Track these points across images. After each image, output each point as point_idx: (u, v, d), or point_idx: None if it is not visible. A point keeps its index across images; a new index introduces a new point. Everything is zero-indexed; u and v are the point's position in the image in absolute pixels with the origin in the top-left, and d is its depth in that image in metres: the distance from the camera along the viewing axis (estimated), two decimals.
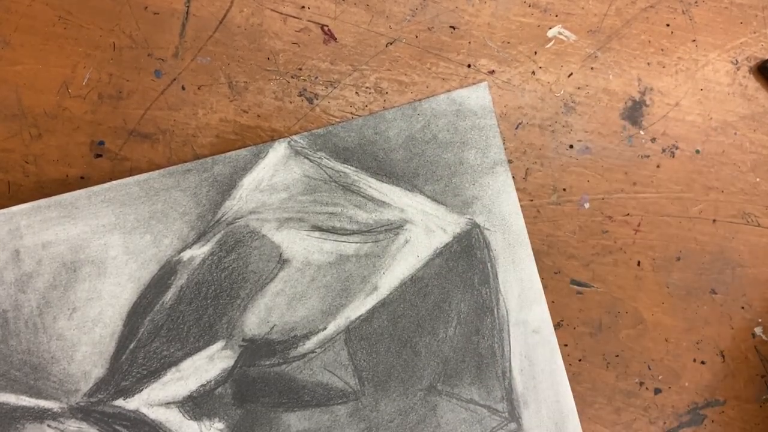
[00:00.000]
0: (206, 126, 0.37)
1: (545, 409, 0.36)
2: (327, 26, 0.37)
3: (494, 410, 0.35)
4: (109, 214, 0.35)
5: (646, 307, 0.37)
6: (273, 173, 0.36)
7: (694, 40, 0.37)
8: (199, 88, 0.37)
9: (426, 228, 0.36)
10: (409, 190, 0.36)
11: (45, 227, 0.34)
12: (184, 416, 0.34)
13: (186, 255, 0.35)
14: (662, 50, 0.38)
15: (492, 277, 0.36)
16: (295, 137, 0.36)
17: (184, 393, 0.34)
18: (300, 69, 0.37)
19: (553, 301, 0.37)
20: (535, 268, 0.36)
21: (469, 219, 0.36)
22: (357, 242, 0.36)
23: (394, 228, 0.36)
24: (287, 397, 0.35)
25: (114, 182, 0.35)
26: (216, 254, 0.35)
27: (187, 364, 0.35)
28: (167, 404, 0.34)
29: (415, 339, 0.36)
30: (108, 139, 0.37)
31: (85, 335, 0.34)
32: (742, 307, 0.38)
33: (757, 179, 0.37)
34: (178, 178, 0.35)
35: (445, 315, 0.36)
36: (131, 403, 0.34)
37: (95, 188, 0.35)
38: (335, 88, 0.37)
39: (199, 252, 0.35)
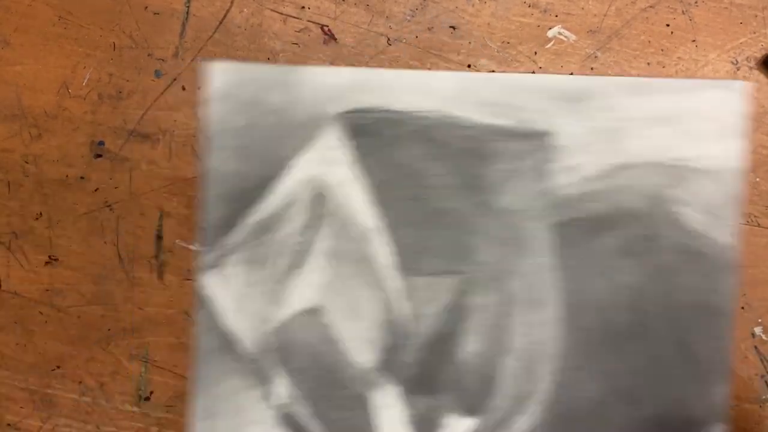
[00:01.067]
0: (207, 126, 0.37)
1: None
2: (327, 26, 0.37)
3: None
4: None
5: None
6: None
7: (694, 41, 0.37)
8: (199, 88, 0.37)
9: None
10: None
11: None
12: None
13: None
14: (662, 50, 0.38)
15: None
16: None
17: None
18: None
19: None
20: None
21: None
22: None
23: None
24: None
25: None
26: None
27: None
28: None
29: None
30: (108, 139, 0.37)
31: None
32: (742, 307, 0.38)
33: (757, 179, 0.37)
34: None
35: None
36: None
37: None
38: None
39: None
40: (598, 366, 0.36)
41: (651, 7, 0.37)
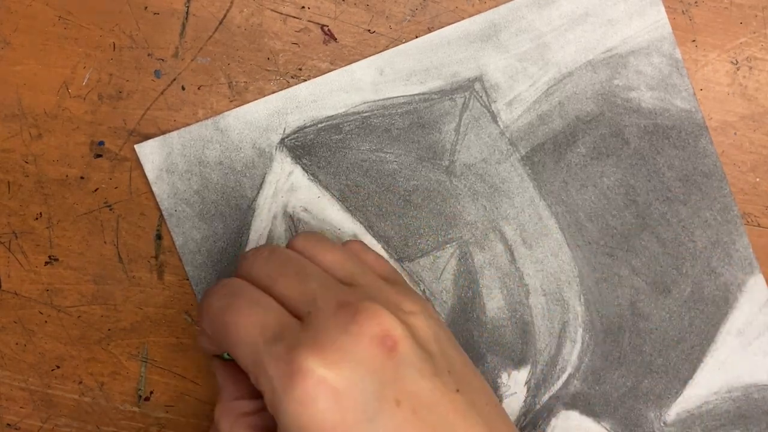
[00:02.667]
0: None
1: None
2: (327, 26, 0.37)
3: None
4: None
5: None
6: None
7: (693, 40, 0.37)
8: (199, 88, 0.37)
9: None
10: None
11: None
12: None
13: None
14: None
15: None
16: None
17: None
18: (300, 69, 0.37)
19: None
20: None
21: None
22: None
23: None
24: None
25: None
26: None
27: None
28: None
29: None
30: (108, 139, 0.37)
31: None
32: None
33: (757, 179, 0.37)
34: None
35: None
36: None
37: None
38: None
39: None
40: (618, 271, 0.36)
41: None
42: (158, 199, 0.36)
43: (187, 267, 0.37)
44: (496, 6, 0.37)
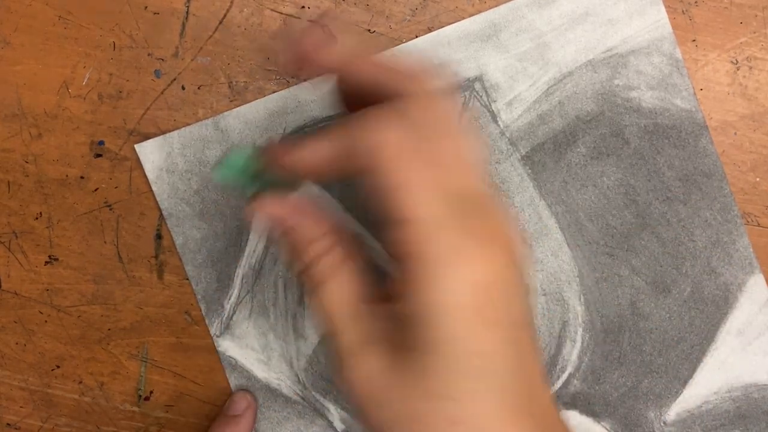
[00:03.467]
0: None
1: None
2: (327, 26, 0.37)
3: None
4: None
5: None
6: None
7: (694, 40, 0.37)
8: (199, 88, 0.37)
9: None
10: None
11: None
12: None
13: None
14: None
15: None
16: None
17: None
18: (300, 69, 0.37)
19: None
20: None
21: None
22: None
23: None
24: None
25: None
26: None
27: None
28: None
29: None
30: (108, 139, 0.37)
31: None
32: None
33: (757, 179, 0.37)
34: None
35: None
36: None
37: None
38: None
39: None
40: (618, 270, 0.36)
41: None
42: (158, 199, 0.37)
43: (187, 266, 0.37)
44: (496, 6, 0.37)
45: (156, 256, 0.38)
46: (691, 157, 0.36)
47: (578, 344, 0.36)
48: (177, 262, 0.37)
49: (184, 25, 0.37)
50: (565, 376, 0.36)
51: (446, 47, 0.36)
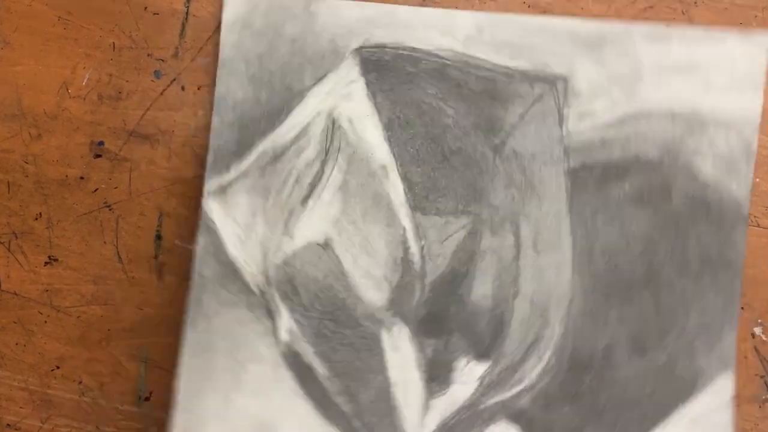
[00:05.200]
0: (206, 126, 0.37)
1: None
2: None
3: None
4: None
5: None
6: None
7: None
8: (199, 89, 0.37)
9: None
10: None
11: None
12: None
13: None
14: None
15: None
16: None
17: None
18: None
19: None
20: None
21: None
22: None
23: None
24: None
25: None
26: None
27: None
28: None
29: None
30: (108, 139, 0.37)
31: None
32: (742, 307, 0.37)
33: (757, 179, 0.37)
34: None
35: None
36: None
37: None
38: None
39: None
40: (608, 312, 0.36)
41: (651, 7, 0.37)
42: (221, 45, 0.36)
43: (215, 117, 0.36)
44: (496, 7, 0.37)
45: (156, 257, 0.38)
46: (721, 242, 0.36)
47: (542, 363, 0.36)
48: (177, 262, 0.37)
49: (184, 25, 0.37)
50: (519, 387, 0.36)
51: (549, 35, 0.36)
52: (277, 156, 0.35)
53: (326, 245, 0.35)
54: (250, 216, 0.35)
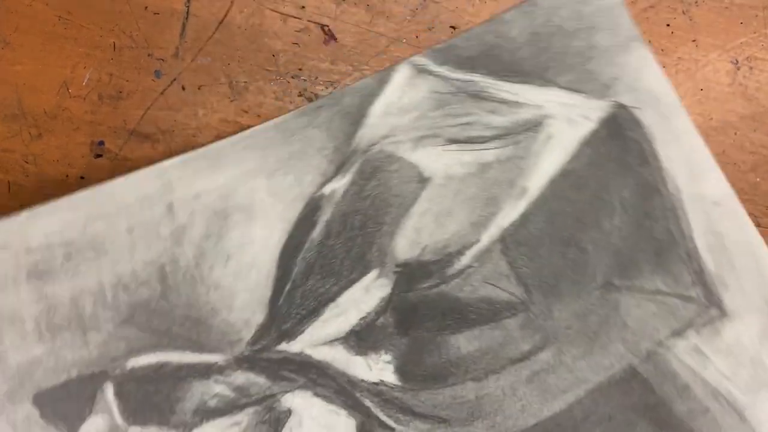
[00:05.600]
0: (206, 126, 0.37)
1: (749, 284, 0.32)
2: (327, 26, 0.37)
3: (687, 297, 0.32)
4: (252, 159, 0.34)
5: None
6: (401, 95, 0.35)
7: (694, 40, 0.37)
8: (198, 89, 0.37)
9: (567, 119, 0.35)
10: (541, 85, 0.35)
11: (195, 178, 0.34)
12: (349, 352, 0.33)
13: (327, 189, 0.34)
14: (662, 50, 0.38)
15: (651, 156, 0.34)
16: (416, 57, 0.35)
17: (346, 328, 0.33)
18: (300, 69, 0.37)
19: None
20: (698, 135, 0.33)
21: (612, 101, 0.34)
22: (496, 148, 0.35)
23: (533, 126, 0.35)
24: (452, 318, 0.33)
25: (253, 128, 0.34)
26: (356, 183, 0.34)
27: (344, 299, 0.34)
28: (331, 342, 0.33)
29: (578, 235, 0.33)
30: (108, 139, 0.37)
31: (242, 281, 0.33)
32: None
33: (757, 179, 0.37)
34: (310, 116, 0.35)
35: (606, 205, 0.34)
36: (295, 346, 0.33)
37: (235, 137, 0.34)
38: (336, 88, 0.37)
39: (339, 184, 0.34)
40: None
41: (651, 7, 0.37)
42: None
43: None
44: (496, 7, 0.37)
45: None
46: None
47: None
48: None
49: (184, 25, 0.37)
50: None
51: None
52: None
53: None
54: None
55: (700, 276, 0.32)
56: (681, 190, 0.33)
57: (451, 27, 0.38)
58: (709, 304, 0.31)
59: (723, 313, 0.31)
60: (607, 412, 0.31)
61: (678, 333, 0.31)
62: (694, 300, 0.31)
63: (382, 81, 0.35)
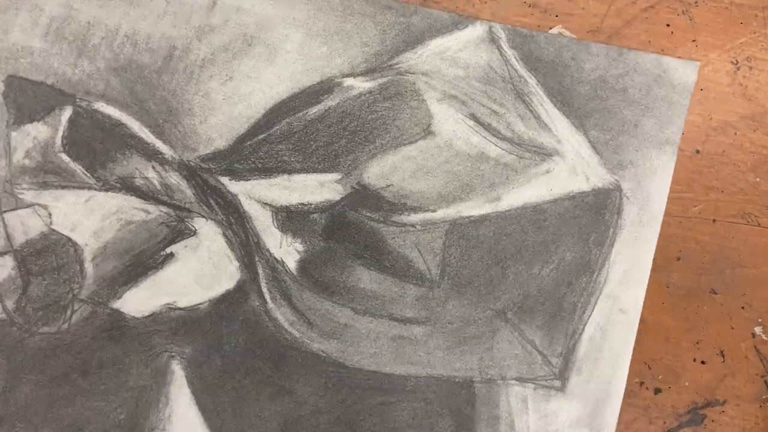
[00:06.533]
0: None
1: (594, 383, 0.36)
2: None
3: (548, 361, 0.36)
4: (304, 11, 0.35)
5: (646, 307, 0.38)
6: (461, 48, 0.35)
7: (694, 40, 0.37)
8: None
9: (572, 168, 0.36)
10: (575, 126, 0.36)
11: None
12: (273, 222, 0.35)
13: (348, 81, 0.35)
14: (662, 50, 0.38)
15: (608, 243, 0.36)
16: (496, 26, 0.35)
17: (284, 202, 0.35)
18: None
19: None
20: (652, 254, 0.36)
21: (616, 180, 0.36)
22: (503, 149, 0.35)
23: (543, 153, 0.36)
24: (370, 254, 0.35)
25: None
26: (374, 94, 0.35)
27: (298, 178, 0.35)
28: (264, 204, 0.35)
29: (510, 262, 0.36)
30: None
31: (228, 106, 0.34)
32: (742, 307, 0.38)
33: (757, 179, 0.37)
34: (376, 9, 0.35)
35: (547, 254, 0.36)
36: (234, 187, 0.35)
37: None
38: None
39: (360, 85, 0.35)
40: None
41: (651, 7, 0.38)
42: None
43: None
44: (496, 6, 0.37)
45: None
46: None
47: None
48: None
49: None
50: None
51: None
52: None
53: None
54: None
55: (568, 354, 0.36)
56: (606, 283, 0.36)
57: None
58: (557, 377, 0.35)
59: (562, 389, 0.35)
60: (429, 396, 0.35)
61: (521, 379, 0.35)
62: (550, 365, 0.36)
63: (456, 25, 0.36)
